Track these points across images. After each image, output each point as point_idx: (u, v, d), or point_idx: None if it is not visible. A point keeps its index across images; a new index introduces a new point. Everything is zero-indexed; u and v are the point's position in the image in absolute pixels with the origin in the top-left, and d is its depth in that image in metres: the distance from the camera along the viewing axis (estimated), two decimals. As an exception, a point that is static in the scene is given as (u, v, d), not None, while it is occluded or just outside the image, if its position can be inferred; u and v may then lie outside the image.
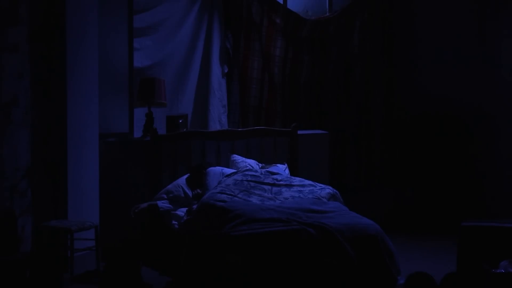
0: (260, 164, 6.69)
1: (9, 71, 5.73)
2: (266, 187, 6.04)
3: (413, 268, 4.84)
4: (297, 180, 6.25)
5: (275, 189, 6.07)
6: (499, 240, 4.98)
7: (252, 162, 6.68)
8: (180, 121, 6.92)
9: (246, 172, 6.22)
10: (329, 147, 7.29)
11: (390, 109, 8.17)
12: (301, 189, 6.09)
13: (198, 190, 6.25)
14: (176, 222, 5.97)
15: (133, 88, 6.85)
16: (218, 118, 7.44)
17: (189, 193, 6.29)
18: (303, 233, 5.11)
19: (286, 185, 6.13)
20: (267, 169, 6.43)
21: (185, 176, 6.51)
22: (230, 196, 5.75)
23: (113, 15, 6.70)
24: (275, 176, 6.26)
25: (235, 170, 6.44)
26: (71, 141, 6.04)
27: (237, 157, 6.74)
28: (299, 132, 7.03)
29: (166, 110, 7.06)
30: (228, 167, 6.64)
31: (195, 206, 5.80)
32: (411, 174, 8.20)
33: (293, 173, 6.72)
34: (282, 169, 6.64)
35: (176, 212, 6.10)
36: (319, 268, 5.06)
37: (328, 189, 6.13)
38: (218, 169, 6.52)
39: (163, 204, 6.15)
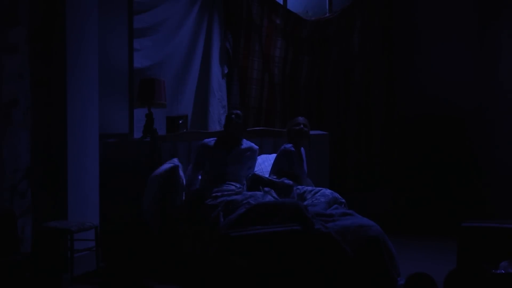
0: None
1: (9, 71, 5.73)
2: None
3: (413, 268, 4.83)
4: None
5: None
6: (499, 240, 4.97)
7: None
8: (180, 121, 6.92)
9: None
10: (329, 148, 7.29)
11: (390, 110, 8.18)
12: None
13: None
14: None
15: (133, 89, 6.85)
16: (218, 119, 7.45)
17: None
18: (302, 233, 5.11)
19: None
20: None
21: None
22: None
23: (113, 16, 6.70)
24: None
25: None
26: (71, 142, 6.04)
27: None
28: (299, 132, 7.02)
29: (166, 110, 7.07)
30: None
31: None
32: (411, 174, 8.20)
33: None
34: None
35: None
36: (319, 269, 5.07)
37: (328, 191, 6.12)
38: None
39: None
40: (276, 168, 6.34)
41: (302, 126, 6.37)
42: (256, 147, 6.30)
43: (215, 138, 6.21)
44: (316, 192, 6.02)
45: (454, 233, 5.23)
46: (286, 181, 6.18)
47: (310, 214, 5.39)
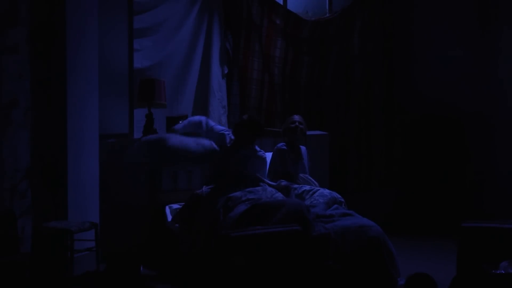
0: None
1: (9, 71, 5.72)
2: None
3: (413, 269, 4.83)
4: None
5: None
6: (499, 240, 4.97)
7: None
8: (180, 122, 6.92)
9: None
10: (329, 148, 7.29)
11: (390, 110, 8.18)
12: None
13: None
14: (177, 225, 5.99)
15: (133, 89, 6.85)
16: (218, 119, 7.44)
17: None
18: (302, 234, 5.11)
19: None
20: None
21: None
22: None
23: (113, 16, 6.70)
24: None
25: None
26: (71, 142, 6.03)
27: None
28: (299, 133, 7.01)
29: (166, 111, 7.06)
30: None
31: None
32: (411, 174, 8.20)
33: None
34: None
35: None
36: (319, 269, 5.07)
37: (326, 191, 6.11)
38: None
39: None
40: (271, 168, 6.36)
41: (297, 124, 6.39)
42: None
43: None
44: (314, 192, 6.01)
45: (454, 233, 5.24)
46: (283, 183, 6.19)
47: (311, 216, 5.39)
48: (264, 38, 7.69)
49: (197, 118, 6.76)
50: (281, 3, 7.83)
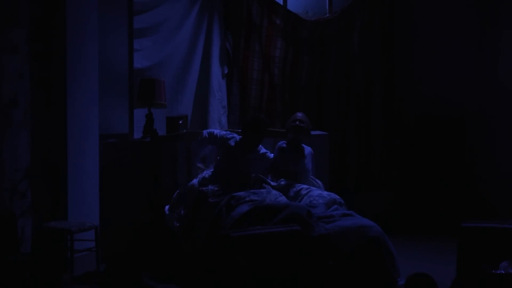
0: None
1: (9, 72, 5.73)
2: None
3: (413, 269, 4.83)
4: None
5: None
6: (499, 240, 4.97)
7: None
8: (180, 122, 6.92)
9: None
10: (329, 148, 7.29)
11: (390, 110, 8.18)
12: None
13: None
14: (177, 224, 5.98)
15: (133, 89, 6.84)
16: (218, 119, 7.44)
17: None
18: (302, 234, 5.11)
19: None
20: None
21: None
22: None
23: (113, 16, 6.69)
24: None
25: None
26: (71, 142, 6.04)
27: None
28: (299, 133, 7.00)
29: (166, 111, 7.06)
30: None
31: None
32: (411, 174, 8.20)
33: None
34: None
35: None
36: (319, 269, 5.07)
37: (325, 193, 6.11)
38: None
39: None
40: (272, 167, 6.37)
41: (298, 122, 6.40)
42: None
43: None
44: (311, 191, 6.02)
45: (454, 233, 5.24)
46: (282, 182, 6.19)
47: (312, 219, 5.39)
48: (264, 38, 7.70)
49: (199, 137, 6.57)
50: (281, 3, 7.83)
